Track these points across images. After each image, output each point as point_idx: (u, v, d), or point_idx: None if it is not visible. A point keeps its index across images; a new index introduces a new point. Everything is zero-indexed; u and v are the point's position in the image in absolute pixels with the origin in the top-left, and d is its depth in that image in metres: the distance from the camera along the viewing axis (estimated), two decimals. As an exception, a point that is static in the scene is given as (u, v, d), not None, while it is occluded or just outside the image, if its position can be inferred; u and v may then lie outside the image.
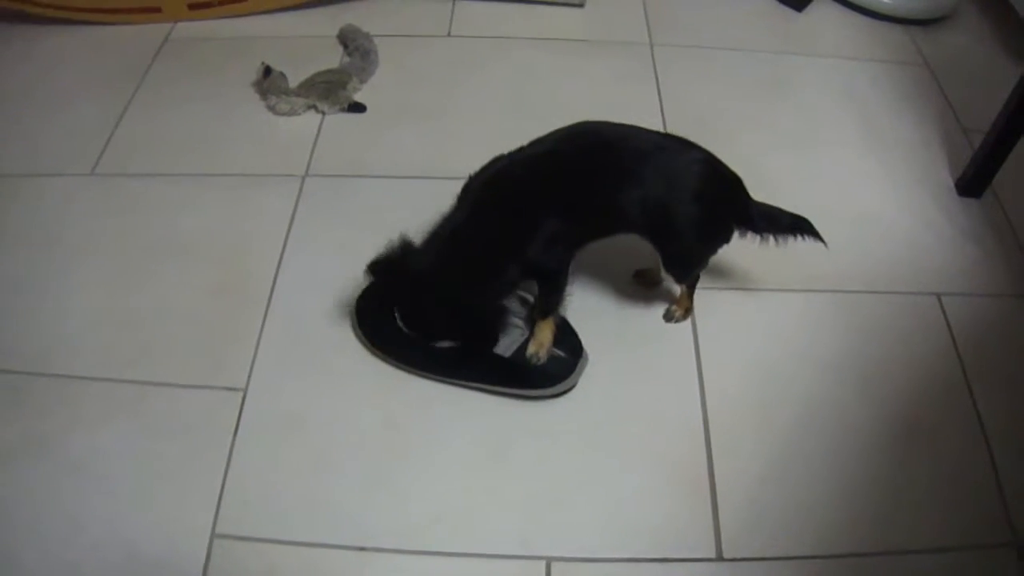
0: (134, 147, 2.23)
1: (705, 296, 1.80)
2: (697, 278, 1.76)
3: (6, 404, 1.71)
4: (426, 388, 1.69)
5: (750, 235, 1.67)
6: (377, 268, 1.55)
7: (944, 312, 1.82)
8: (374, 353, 1.71)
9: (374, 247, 1.60)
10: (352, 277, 1.74)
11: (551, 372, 1.66)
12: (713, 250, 1.70)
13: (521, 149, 1.61)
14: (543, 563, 1.46)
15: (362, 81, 2.33)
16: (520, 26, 2.50)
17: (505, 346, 1.65)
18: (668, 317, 1.81)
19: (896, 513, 1.53)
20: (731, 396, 1.66)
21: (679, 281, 1.75)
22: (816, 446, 1.60)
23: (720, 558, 1.46)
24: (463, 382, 1.67)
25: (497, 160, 1.60)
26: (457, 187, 1.73)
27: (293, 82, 2.30)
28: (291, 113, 2.26)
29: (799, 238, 1.69)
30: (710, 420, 1.62)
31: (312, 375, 1.72)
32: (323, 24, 2.56)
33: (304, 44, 2.50)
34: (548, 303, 1.64)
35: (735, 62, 2.39)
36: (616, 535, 1.49)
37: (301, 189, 2.03)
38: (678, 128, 2.06)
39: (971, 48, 2.55)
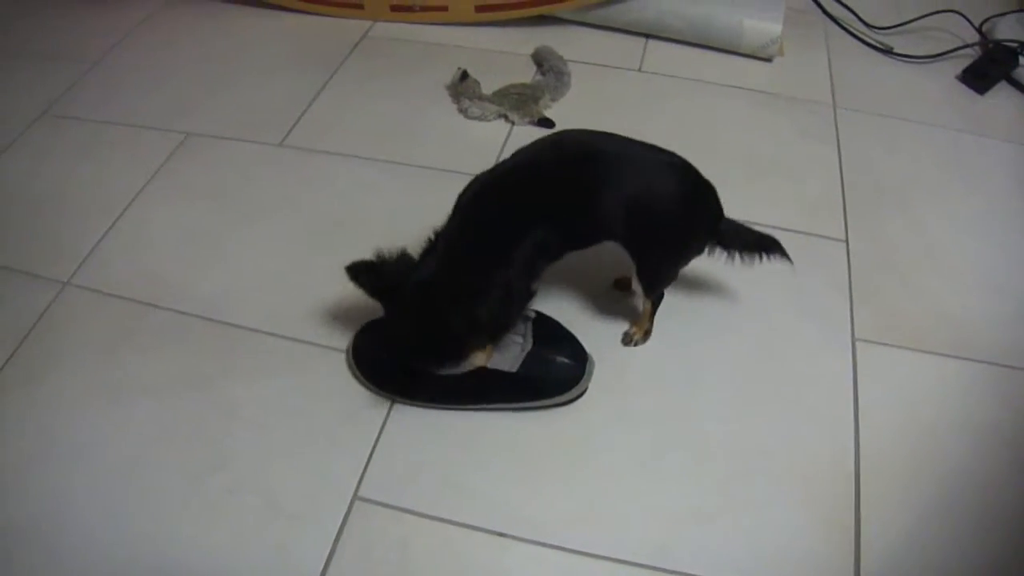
0: (324, 127, 2.32)
1: (870, 349, 1.79)
2: (661, 297, 1.75)
3: (174, 341, 1.79)
4: (587, 396, 1.70)
5: (718, 251, 1.68)
6: (357, 270, 1.51)
7: (1112, 405, 1.78)
8: (378, 393, 1.68)
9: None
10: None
11: (563, 378, 1.66)
12: (687, 259, 1.69)
13: (504, 162, 1.60)
14: (680, 579, 1.45)
15: (553, 99, 2.38)
16: (709, 71, 2.53)
17: (510, 362, 1.63)
18: (626, 340, 1.80)
19: (1046, 597, 1.49)
20: (885, 448, 1.64)
21: (648, 292, 1.72)
22: (965, 514, 1.57)
23: (857, 603, 1.43)
24: (481, 407, 1.67)
25: (480, 176, 1.59)
26: None
27: (486, 90, 2.37)
28: (481, 118, 2.32)
29: (764, 258, 1.69)
30: (862, 467, 1.60)
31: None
32: (519, 42, 2.63)
33: (499, 58, 2.57)
34: (497, 327, 1.61)
35: (915, 134, 2.38)
36: (756, 562, 1.47)
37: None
38: (855, 189, 2.11)
39: None
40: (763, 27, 2.51)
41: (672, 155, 1.60)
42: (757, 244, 1.68)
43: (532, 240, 1.52)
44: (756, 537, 1.51)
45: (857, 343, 1.80)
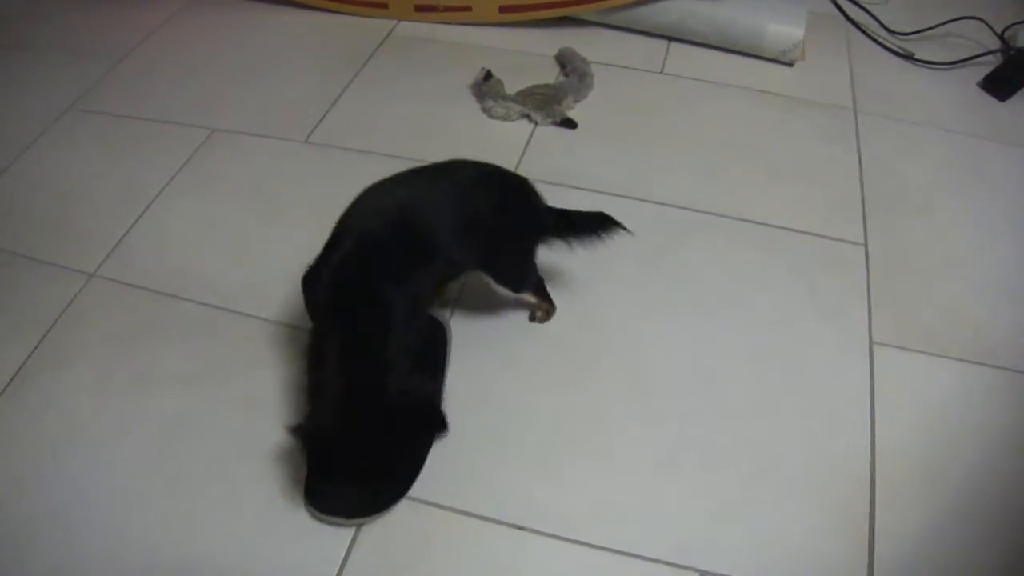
0: (348, 124, 2.35)
1: (887, 352, 1.80)
2: (542, 281, 1.79)
3: (197, 332, 1.83)
4: (606, 388, 1.73)
5: (557, 242, 1.72)
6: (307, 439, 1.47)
7: None
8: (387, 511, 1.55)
9: (571, 263, 1.81)
10: (546, 268, 1.82)
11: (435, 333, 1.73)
12: (533, 252, 1.73)
13: (328, 253, 1.54)
14: (695, 575, 1.46)
15: (576, 100, 2.40)
16: (730, 74, 2.55)
17: None
18: (532, 318, 1.85)
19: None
20: (900, 451, 1.64)
21: (517, 291, 1.77)
22: (979, 518, 1.57)
23: (868, 602, 1.44)
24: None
25: (313, 280, 1.54)
26: (656, 211, 1.95)
27: (509, 91, 2.39)
28: (505, 118, 2.34)
29: (602, 237, 1.72)
30: (877, 470, 1.61)
31: (496, 355, 1.79)
32: (542, 43, 2.65)
33: (522, 59, 2.59)
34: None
35: (936, 140, 2.39)
36: (770, 561, 1.49)
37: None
38: (874, 194, 2.13)
39: None
40: (785, 31, 2.53)
41: (480, 166, 1.66)
42: (590, 225, 1.73)
43: (402, 304, 1.50)
44: (772, 536, 1.52)
45: (875, 346, 1.81)
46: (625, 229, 1.72)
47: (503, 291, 1.77)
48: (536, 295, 1.80)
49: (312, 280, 1.55)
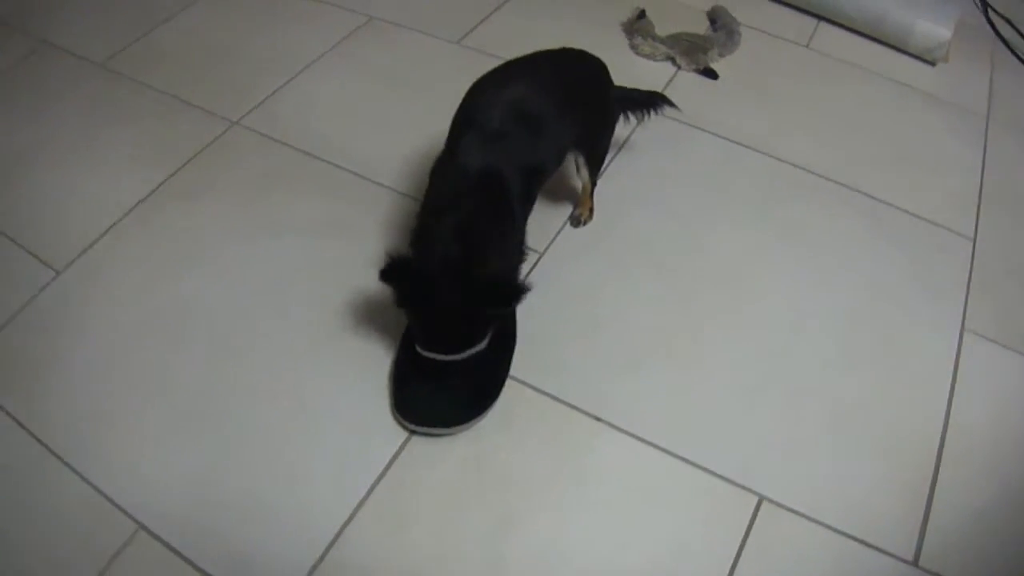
0: (502, 35, 2.46)
1: (976, 341, 1.84)
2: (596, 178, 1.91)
3: (325, 190, 1.98)
4: (702, 312, 1.81)
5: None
6: (390, 272, 1.44)
7: None
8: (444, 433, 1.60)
9: (690, 195, 1.91)
10: (656, 190, 1.94)
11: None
12: (614, 130, 1.91)
13: (463, 144, 1.57)
14: (755, 498, 1.53)
15: (721, 54, 2.46)
16: (873, 61, 2.58)
17: None
18: (576, 222, 1.94)
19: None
20: (971, 435, 1.68)
21: (595, 174, 1.87)
22: (1035, 517, 1.62)
23: (915, 564, 1.49)
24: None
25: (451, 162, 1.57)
26: (777, 167, 2.04)
27: (659, 34, 2.46)
28: (650, 57, 2.42)
29: (652, 113, 1.98)
30: (947, 441, 1.66)
31: (603, 264, 1.89)
32: (698, -1, 2.71)
33: (676, 9, 2.65)
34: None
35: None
36: (829, 501, 1.55)
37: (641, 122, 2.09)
38: (992, 197, 2.15)
39: None
40: (934, 31, 2.55)
41: (565, 54, 1.83)
42: (645, 102, 1.97)
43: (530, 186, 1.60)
44: (835, 481, 1.59)
45: (965, 333, 1.85)
46: (674, 106, 1.98)
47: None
48: (591, 187, 1.89)
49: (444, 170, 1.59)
